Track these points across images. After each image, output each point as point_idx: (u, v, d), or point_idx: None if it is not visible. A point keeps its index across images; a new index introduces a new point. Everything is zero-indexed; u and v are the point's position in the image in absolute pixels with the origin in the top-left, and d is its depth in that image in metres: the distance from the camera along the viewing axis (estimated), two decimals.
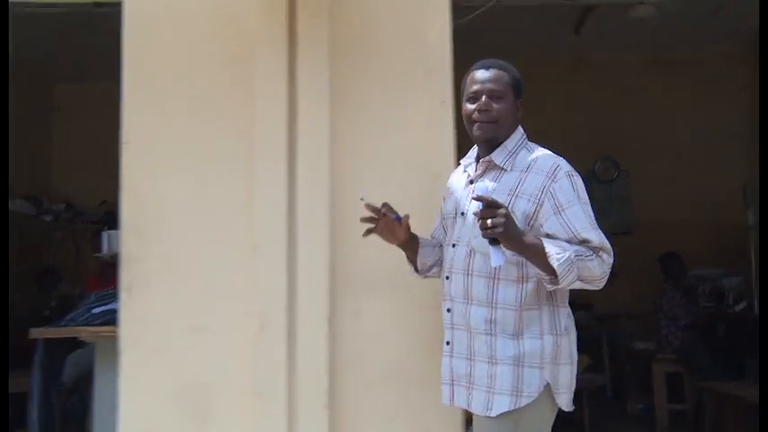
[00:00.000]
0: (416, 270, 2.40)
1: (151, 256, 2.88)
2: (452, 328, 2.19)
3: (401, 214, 2.23)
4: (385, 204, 2.23)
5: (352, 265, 2.81)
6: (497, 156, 2.15)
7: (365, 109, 2.88)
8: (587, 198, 2.09)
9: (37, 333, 3.93)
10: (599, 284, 2.04)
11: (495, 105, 2.14)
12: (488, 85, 2.16)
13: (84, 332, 3.80)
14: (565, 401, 2.12)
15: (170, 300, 2.87)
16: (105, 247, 4.11)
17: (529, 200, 2.06)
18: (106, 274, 4.77)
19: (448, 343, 2.19)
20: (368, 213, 2.21)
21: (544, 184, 2.06)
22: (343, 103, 2.86)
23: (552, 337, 2.09)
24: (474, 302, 2.11)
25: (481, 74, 2.19)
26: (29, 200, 6.95)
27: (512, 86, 2.18)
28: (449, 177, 2.48)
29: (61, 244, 7.40)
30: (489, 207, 1.91)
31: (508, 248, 1.96)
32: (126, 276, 2.88)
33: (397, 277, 2.72)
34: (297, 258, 2.79)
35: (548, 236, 2.03)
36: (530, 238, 1.98)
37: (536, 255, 1.98)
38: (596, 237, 2.02)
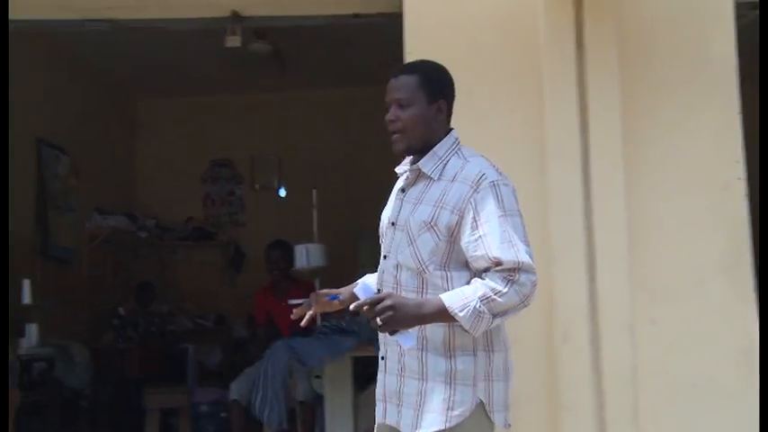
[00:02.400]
0: None
1: None
2: (385, 344, 2.07)
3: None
4: (315, 295, 2.20)
5: (649, 272, 2.80)
6: (425, 164, 2.02)
7: (653, 116, 2.89)
8: (514, 209, 1.94)
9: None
10: (523, 308, 1.93)
11: (400, 114, 2.01)
12: (394, 94, 2.04)
13: None
14: (501, 420, 2.04)
15: None
16: (303, 261, 4.03)
17: (452, 211, 1.93)
18: (280, 288, 4.69)
19: (383, 358, 2.08)
20: (299, 314, 2.22)
21: (467, 194, 1.93)
22: (633, 110, 2.86)
23: (486, 354, 2.00)
24: None
25: (390, 82, 2.07)
26: (126, 215, 6.83)
27: (423, 89, 2.02)
28: (739, 189, 2.47)
29: (148, 259, 7.29)
30: (371, 306, 1.82)
31: (411, 326, 1.88)
32: None
33: (693, 284, 2.72)
34: (596, 267, 2.77)
35: (466, 250, 1.94)
36: (428, 306, 1.88)
37: (439, 316, 1.88)
38: (511, 255, 1.87)
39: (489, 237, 1.88)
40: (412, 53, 2.95)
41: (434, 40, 2.96)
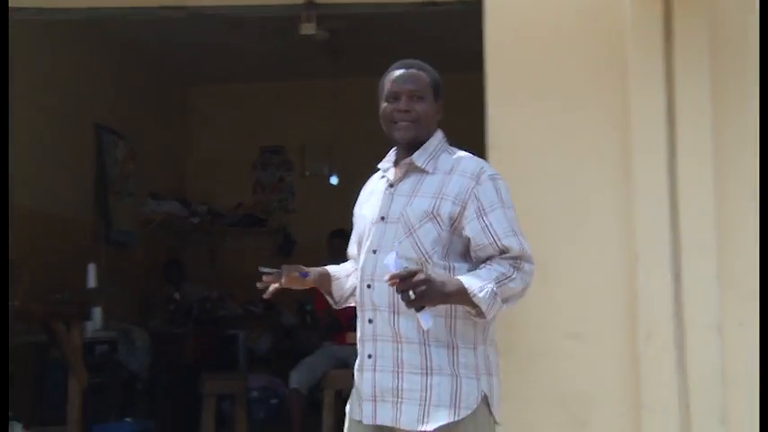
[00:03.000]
0: (335, 302, 2.31)
1: None
2: (374, 340, 2.04)
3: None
4: (286, 268, 2.15)
5: (737, 271, 2.72)
6: (418, 158, 2.08)
7: (745, 111, 2.79)
8: (510, 203, 2.05)
9: None
10: (520, 298, 2.00)
11: (415, 106, 2.08)
12: (408, 86, 2.09)
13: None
14: (497, 414, 2.05)
15: (544, 306, 2.77)
16: None
17: (454, 202, 1.99)
18: None
19: (370, 356, 2.05)
20: (266, 283, 2.14)
21: (468, 186, 2.00)
22: (724, 104, 2.77)
23: (483, 348, 2.02)
24: (402, 311, 1.97)
25: (400, 74, 2.11)
26: (179, 201, 6.88)
27: (431, 87, 2.12)
28: None
29: (199, 245, 7.35)
30: (406, 279, 1.81)
31: (433, 305, 1.88)
32: None
33: None
34: (681, 265, 2.70)
35: (469, 240, 1.99)
36: (450, 285, 1.90)
37: (460, 297, 1.91)
38: (517, 244, 1.96)
39: (495, 226, 1.96)
40: (492, 43, 2.90)
41: (516, 30, 2.90)
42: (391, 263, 1.82)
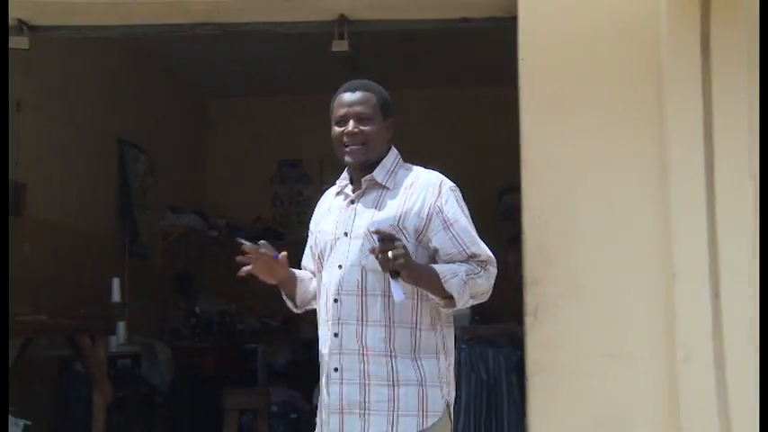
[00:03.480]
0: (295, 306, 2.30)
1: (558, 279, 2.77)
2: (341, 354, 2.07)
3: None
4: (263, 245, 2.15)
5: None
6: (378, 174, 2.13)
7: None
8: (468, 213, 2.13)
9: None
10: (485, 297, 2.09)
11: (363, 128, 2.12)
12: (356, 108, 2.13)
13: None
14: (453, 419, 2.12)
15: (579, 325, 2.74)
16: None
17: (418, 215, 2.06)
18: None
19: (336, 369, 2.07)
20: (244, 256, 2.13)
21: (431, 200, 2.08)
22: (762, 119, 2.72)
23: (444, 357, 2.10)
24: (370, 323, 2.04)
25: (348, 96, 2.15)
26: (198, 214, 6.89)
27: (380, 107, 2.15)
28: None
29: (217, 258, 7.34)
30: (387, 240, 1.91)
31: (407, 279, 1.95)
32: (531, 300, 2.76)
33: None
34: (720, 283, 2.66)
35: (436, 251, 2.07)
36: (425, 268, 2.01)
37: (431, 281, 1.99)
38: (483, 250, 2.07)
39: (462, 235, 2.05)
40: (527, 59, 2.88)
41: (550, 46, 2.88)
42: (378, 222, 1.93)
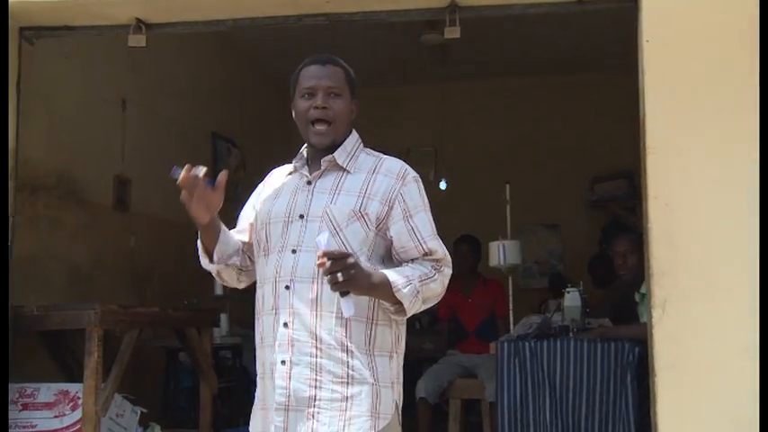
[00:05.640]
0: (211, 260, 2.08)
1: (687, 270, 2.65)
2: (290, 345, 1.89)
3: None
4: (201, 169, 1.97)
5: None
6: (339, 156, 1.98)
7: None
8: (428, 204, 1.99)
9: None
10: (437, 300, 1.98)
11: (332, 103, 1.96)
12: (325, 82, 1.96)
13: None
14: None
15: (712, 318, 2.62)
16: (499, 259, 3.92)
17: (381, 201, 1.93)
18: (467, 285, 4.60)
19: (283, 362, 1.88)
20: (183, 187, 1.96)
21: (394, 186, 1.94)
22: None
23: (397, 357, 1.98)
24: (324, 314, 1.88)
25: (317, 69, 1.98)
26: None
27: (348, 84, 2.00)
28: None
29: None
30: (336, 260, 1.74)
31: (358, 294, 1.81)
32: (659, 292, 2.66)
33: None
34: None
35: (392, 241, 1.94)
36: (376, 276, 1.85)
37: (383, 290, 1.85)
38: (440, 247, 1.96)
39: (421, 228, 1.94)
40: (651, 42, 2.76)
41: (675, 30, 2.75)
42: (323, 240, 1.75)
